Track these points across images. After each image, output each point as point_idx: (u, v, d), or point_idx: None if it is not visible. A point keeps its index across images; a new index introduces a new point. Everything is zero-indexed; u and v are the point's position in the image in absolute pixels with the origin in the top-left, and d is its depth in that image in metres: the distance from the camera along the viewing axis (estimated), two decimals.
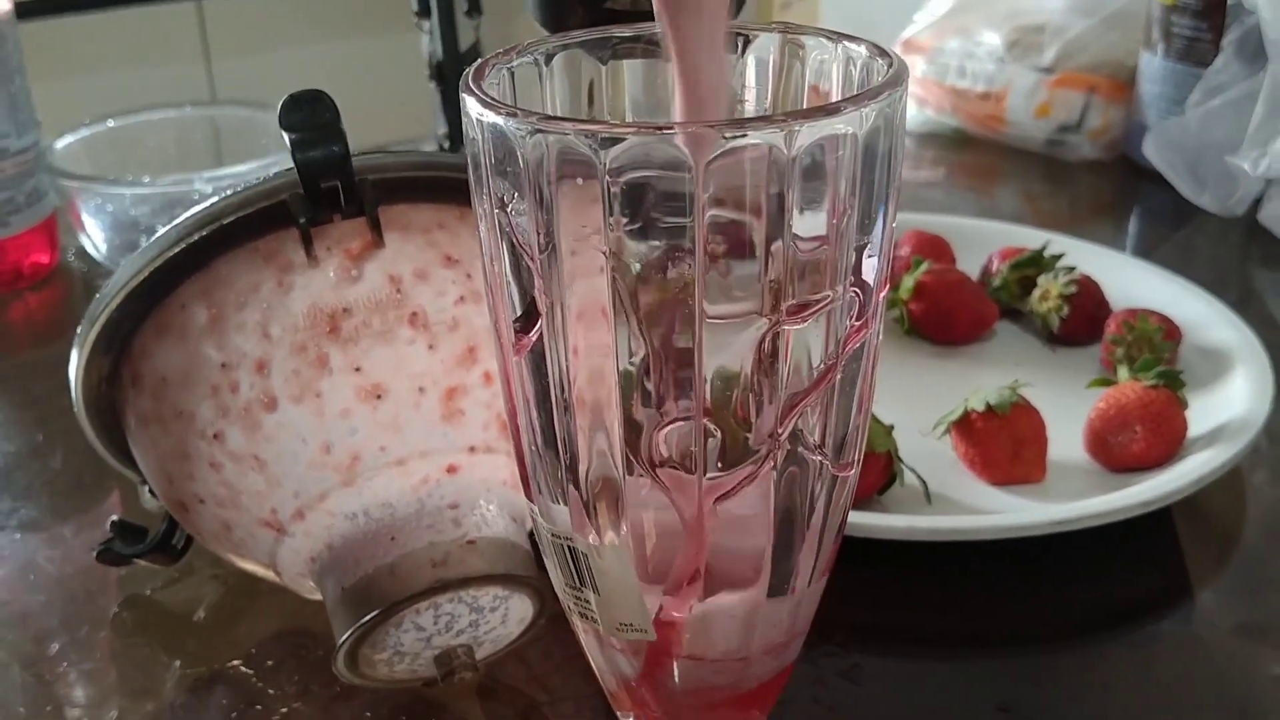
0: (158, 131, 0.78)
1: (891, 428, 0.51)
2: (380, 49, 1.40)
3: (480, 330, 0.40)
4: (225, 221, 0.39)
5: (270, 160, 0.70)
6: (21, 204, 0.72)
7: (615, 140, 0.25)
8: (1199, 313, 0.62)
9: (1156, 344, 0.58)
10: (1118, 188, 0.90)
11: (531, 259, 0.27)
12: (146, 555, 0.47)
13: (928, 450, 0.54)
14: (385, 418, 0.40)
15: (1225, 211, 0.79)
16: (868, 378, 0.30)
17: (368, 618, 0.39)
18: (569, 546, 0.31)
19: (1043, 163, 0.93)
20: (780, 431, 0.28)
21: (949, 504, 0.51)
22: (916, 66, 0.97)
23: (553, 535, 0.31)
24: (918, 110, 0.98)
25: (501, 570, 0.40)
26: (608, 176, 0.25)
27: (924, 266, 0.64)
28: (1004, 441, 0.52)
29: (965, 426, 0.53)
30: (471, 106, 0.27)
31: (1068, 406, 0.55)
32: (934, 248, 0.68)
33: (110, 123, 0.77)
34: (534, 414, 0.29)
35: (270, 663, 0.45)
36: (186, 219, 0.40)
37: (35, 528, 0.53)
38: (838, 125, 0.25)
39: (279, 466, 0.40)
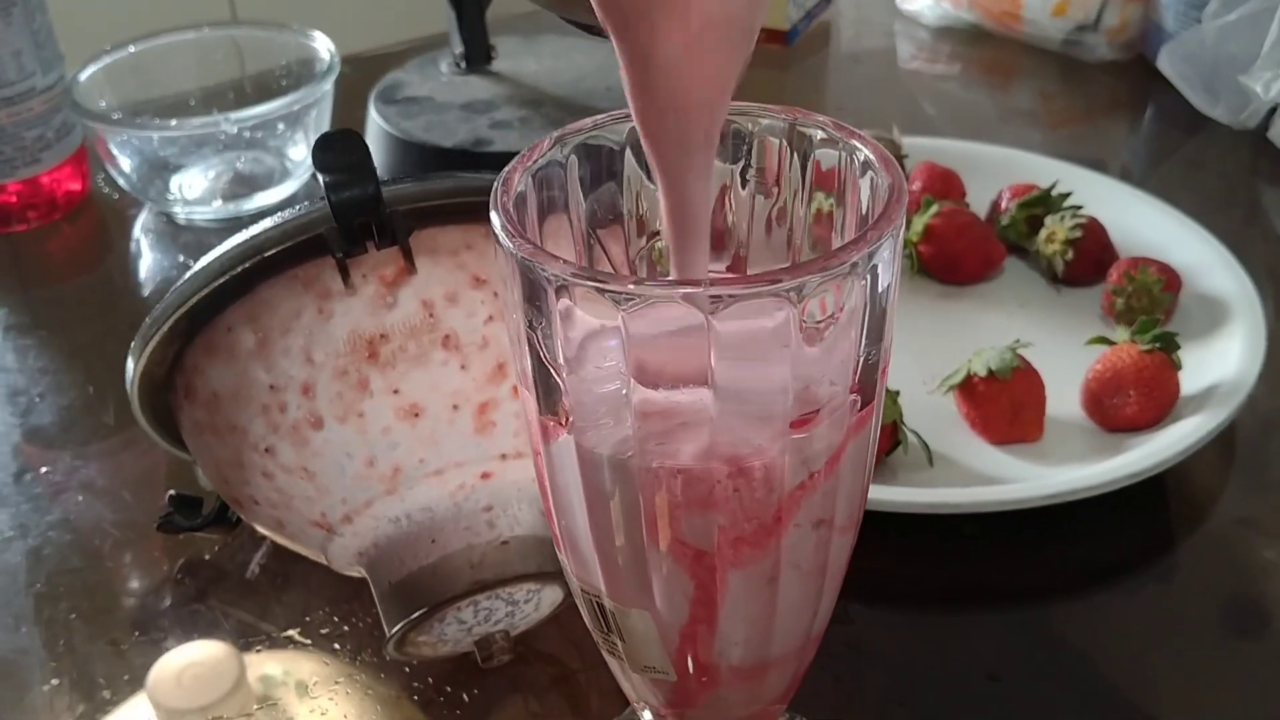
0: (179, 54, 0.79)
1: (897, 394, 0.54)
2: None
3: (508, 347, 0.43)
4: (267, 254, 0.42)
5: (291, 99, 0.71)
6: (51, 139, 0.74)
7: (635, 299, 0.27)
8: (1201, 257, 0.64)
9: (1156, 295, 0.61)
10: (1132, 89, 0.90)
11: (557, 372, 0.30)
12: (205, 528, 0.51)
13: (931, 406, 0.57)
14: (423, 433, 0.43)
15: (1237, 125, 0.80)
16: (868, 455, 0.33)
17: (413, 616, 0.43)
18: (598, 602, 0.34)
19: (1059, 62, 0.93)
20: (784, 518, 0.31)
21: (949, 464, 0.55)
22: None
23: (583, 590, 0.34)
24: (934, 3, 0.97)
25: (534, 569, 0.43)
26: (628, 328, 0.27)
27: (934, 209, 0.66)
28: (1003, 405, 0.55)
29: (967, 389, 0.56)
30: (500, 233, 0.29)
31: (1068, 359, 0.58)
32: (944, 182, 0.69)
33: (131, 49, 0.78)
34: (562, 494, 0.32)
35: (324, 631, 0.49)
36: (230, 249, 0.42)
37: (96, 490, 0.57)
38: (843, 271, 0.28)
39: (327, 478, 0.43)
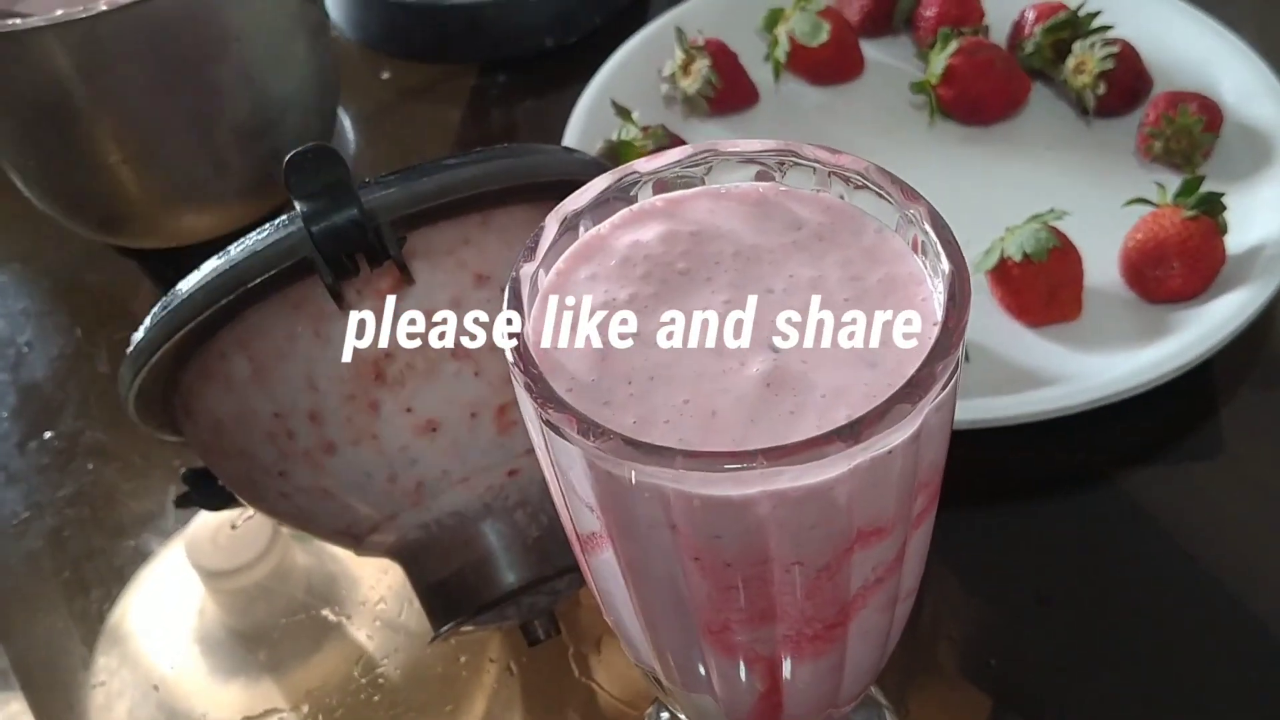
0: None
1: None
2: None
3: None
4: (250, 285, 0.38)
5: None
6: None
7: (684, 474, 0.24)
8: (1243, 82, 0.59)
9: (1196, 137, 0.56)
10: None
11: (591, 509, 0.28)
12: (225, 507, 0.50)
13: None
14: (443, 445, 0.40)
15: None
16: (928, 537, 0.31)
17: (454, 622, 0.42)
18: (655, 678, 0.33)
19: None
20: (850, 613, 0.29)
21: (986, 355, 0.52)
22: None
23: (635, 662, 0.33)
24: None
25: (570, 562, 0.42)
26: (672, 503, 0.25)
27: (953, 45, 0.60)
28: (1040, 288, 0.52)
29: (1001, 273, 0.53)
30: (527, 396, 0.26)
31: (1104, 219, 0.55)
32: (960, 4, 0.64)
33: None
34: (608, 597, 0.31)
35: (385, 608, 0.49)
36: (211, 278, 0.38)
37: (106, 454, 0.55)
38: (904, 413, 0.25)
39: (348, 496, 0.41)
